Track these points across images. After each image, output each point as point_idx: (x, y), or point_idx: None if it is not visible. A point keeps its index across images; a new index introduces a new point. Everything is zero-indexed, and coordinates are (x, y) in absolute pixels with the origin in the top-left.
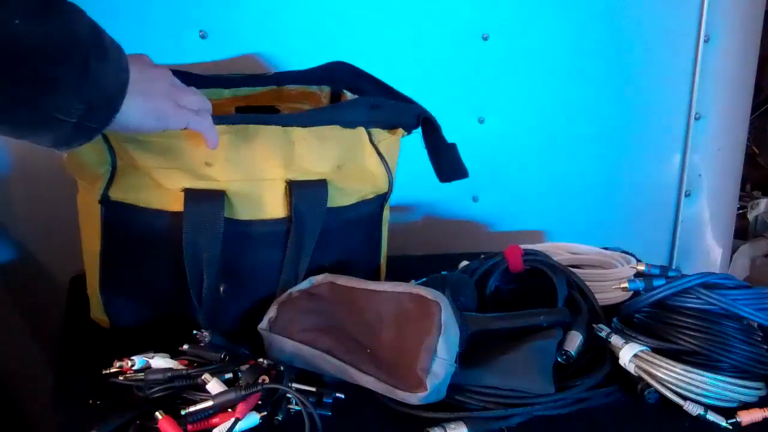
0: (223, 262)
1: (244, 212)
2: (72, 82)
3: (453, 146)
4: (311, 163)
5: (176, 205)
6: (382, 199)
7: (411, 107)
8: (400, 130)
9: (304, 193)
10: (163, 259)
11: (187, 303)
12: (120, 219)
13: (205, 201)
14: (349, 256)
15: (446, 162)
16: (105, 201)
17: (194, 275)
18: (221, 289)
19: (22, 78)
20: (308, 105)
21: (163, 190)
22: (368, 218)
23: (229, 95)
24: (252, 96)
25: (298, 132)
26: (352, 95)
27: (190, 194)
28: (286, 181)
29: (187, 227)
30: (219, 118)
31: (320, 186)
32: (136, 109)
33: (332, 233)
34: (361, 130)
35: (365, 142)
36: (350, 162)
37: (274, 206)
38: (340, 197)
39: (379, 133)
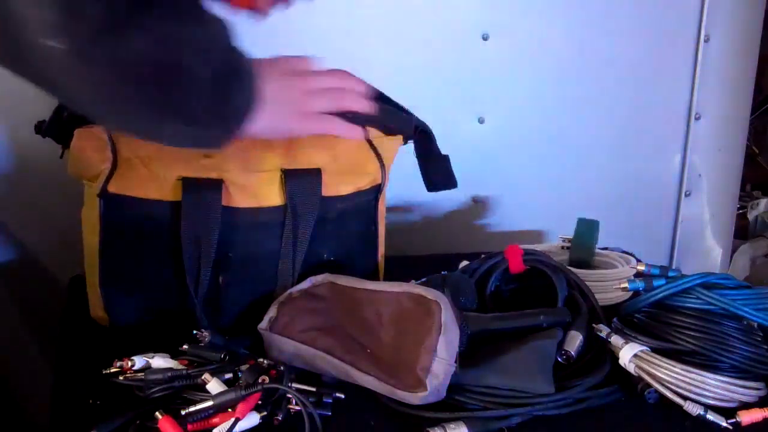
0: (221, 252)
1: (241, 200)
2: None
3: (446, 157)
4: (307, 154)
5: (175, 194)
6: (377, 190)
7: (407, 117)
8: (399, 137)
9: (298, 181)
10: (162, 250)
11: (186, 295)
12: (118, 211)
13: (204, 189)
14: (346, 248)
15: (438, 172)
16: (104, 194)
17: (192, 264)
18: (220, 279)
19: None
20: None
21: (161, 180)
22: (365, 209)
23: None
24: None
25: None
26: None
27: (188, 182)
28: (281, 170)
29: (185, 215)
30: None
31: (314, 174)
32: (264, 122)
33: (329, 223)
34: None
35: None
36: (345, 154)
37: (270, 194)
38: (335, 186)
39: (374, 132)
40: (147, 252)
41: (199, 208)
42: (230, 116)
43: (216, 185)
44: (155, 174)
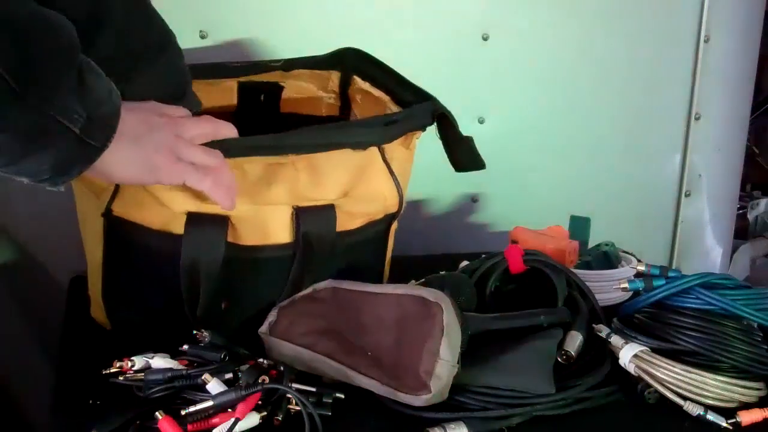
0: (226, 287)
1: (248, 237)
2: (72, 82)
3: (469, 139)
4: (318, 191)
5: (179, 227)
6: (391, 218)
7: (425, 107)
8: (416, 135)
9: (312, 220)
10: (163, 279)
11: (187, 322)
12: (122, 235)
13: (208, 225)
14: (352, 272)
15: (463, 154)
16: (108, 215)
17: (191, 298)
18: (222, 305)
19: (26, 70)
20: (315, 86)
21: (167, 210)
22: (375, 238)
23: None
24: (256, 74)
25: (305, 160)
26: (363, 81)
27: (193, 218)
28: (293, 207)
29: (186, 251)
30: (226, 144)
31: (328, 212)
32: (126, 155)
33: (337, 256)
34: (373, 149)
35: (377, 162)
36: (359, 185)
37: (279, 232)
38: (347, 221)
39: (392, 149)
40: (150, 277)
41: (201, 245)
42: (99, 121)
43: (222, 222)
44: (161, 203)
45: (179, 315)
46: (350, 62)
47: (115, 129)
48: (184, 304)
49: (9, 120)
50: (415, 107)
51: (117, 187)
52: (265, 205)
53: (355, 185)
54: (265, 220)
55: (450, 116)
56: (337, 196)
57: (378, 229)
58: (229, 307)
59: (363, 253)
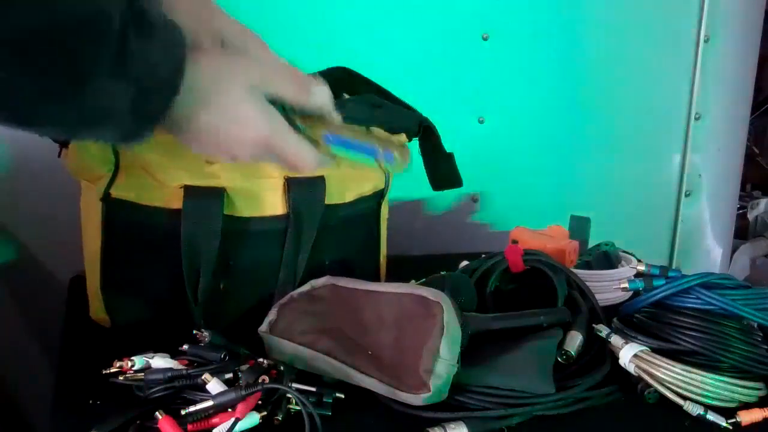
0: (222, 260)
1: (243, 209)
2: (108, 59)
3: (451, 155)
4: None
5: (176, 202)
6: (379, 195)
7: (413, 114)
8: (403, 136)
9: (302, 190)
10: (163, 257)
11: (187, 301)
12: (120, 216)
13: (205, 197)
14: (348, 253)
15: (442, 171)
16: (106, 198)
17: (191, 272)
18: (221, 285)
19: (49, 64)
20: None
21: (164, 187)
22: (367, 215)
23: None
24: None
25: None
26: None
27: (190, 191)
28: (284, 178)
29: (186, 224)
30: None
31: (318, 182)
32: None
33: (331, 230)
34: (362, 128)
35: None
36: (348, 159)
37: (273, 203)
38: (338, 194)
39: (379, 132)
40: (149, 258)
41: (199, 216)
42: (155, 88)
43: (217, 194)
44: (159, 181)
45: (179, 301)
46: (339, 82)
47: (178, 88)
48: (184, 286)
49: (49, 117)
50: (402, 108)
51: (115, 173)
52: (259, 177)
53: (343, 159)
54: (259, 192)
55: (435, 131)
56: (326, 169)
57: (369, 205)
58: (227, 287)
59: (355, 231)
